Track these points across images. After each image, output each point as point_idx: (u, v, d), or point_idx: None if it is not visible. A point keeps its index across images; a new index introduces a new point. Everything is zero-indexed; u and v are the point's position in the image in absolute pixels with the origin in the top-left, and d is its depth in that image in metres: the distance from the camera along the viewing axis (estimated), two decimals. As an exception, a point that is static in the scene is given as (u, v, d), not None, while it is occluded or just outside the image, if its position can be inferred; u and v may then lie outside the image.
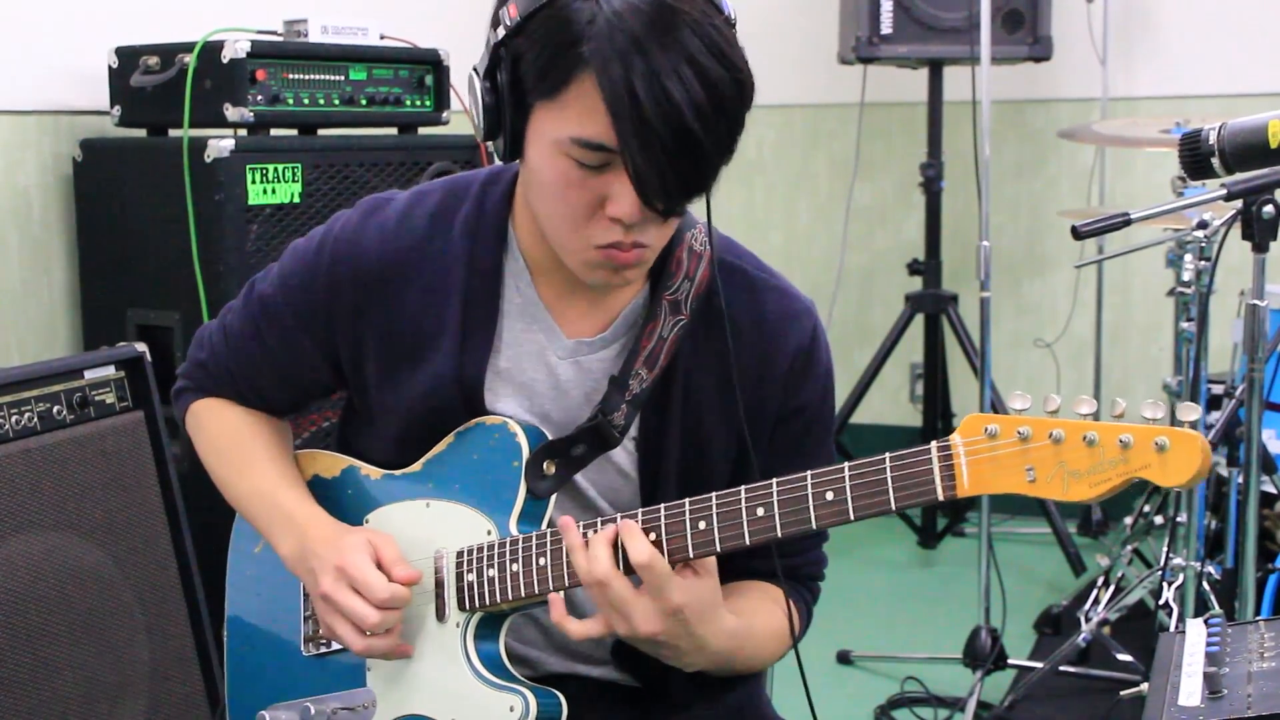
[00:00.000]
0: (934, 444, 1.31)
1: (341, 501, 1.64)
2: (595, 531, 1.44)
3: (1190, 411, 1.24)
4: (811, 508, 1.36)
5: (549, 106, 1.37)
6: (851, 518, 1.35)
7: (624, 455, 1.56)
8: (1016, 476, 1.27)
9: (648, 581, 1.39)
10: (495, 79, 1.41)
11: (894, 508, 1.33)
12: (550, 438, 1.53)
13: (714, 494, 1.40)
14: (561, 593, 1.45)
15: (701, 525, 1.40)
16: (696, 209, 1.48)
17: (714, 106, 1.33)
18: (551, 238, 1.47)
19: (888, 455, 1.33)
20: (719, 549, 1.40)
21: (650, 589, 1.40)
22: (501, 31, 1.39)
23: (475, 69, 1.44)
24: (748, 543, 1.38)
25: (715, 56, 1.33)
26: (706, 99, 1.32)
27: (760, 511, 1.38)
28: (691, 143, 1.33)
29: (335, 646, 1.62)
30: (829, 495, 1.35)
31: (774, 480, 1.38)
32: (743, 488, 1.39)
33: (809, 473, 1.37)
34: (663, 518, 1.42)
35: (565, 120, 1.36)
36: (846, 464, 1.35)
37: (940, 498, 1.31)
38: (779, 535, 1.38)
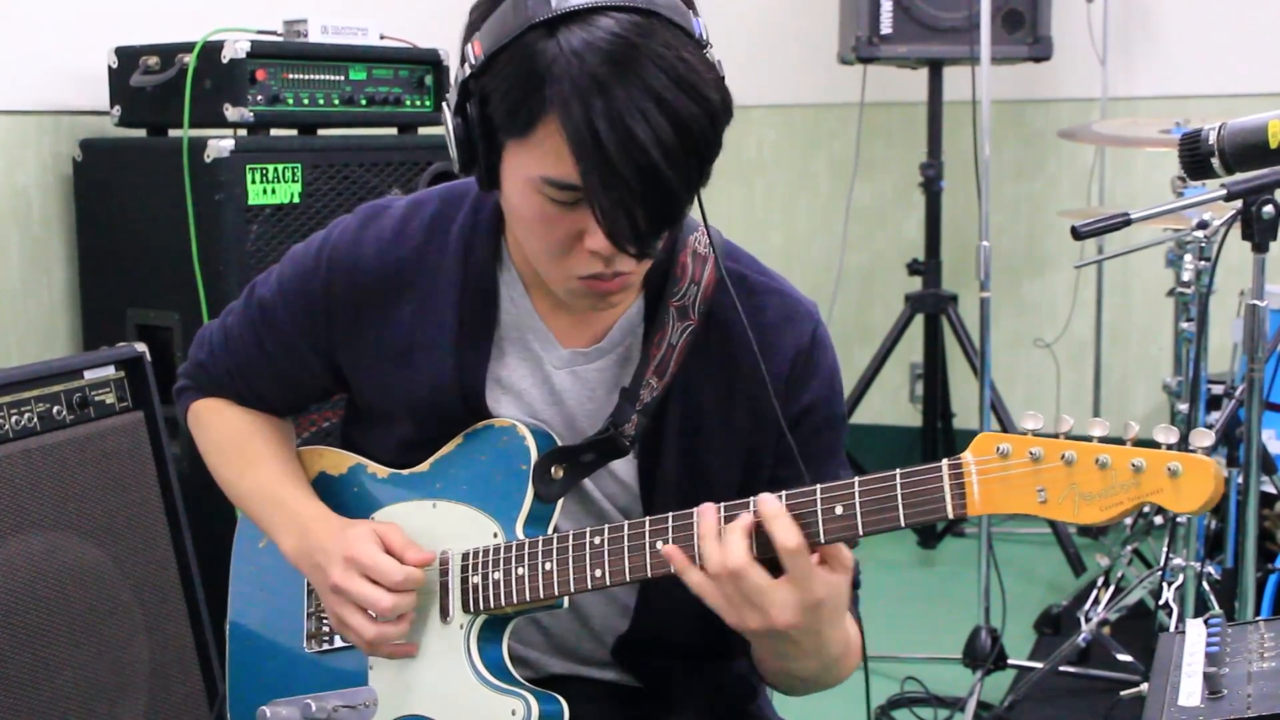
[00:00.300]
0: (945, 462, 1.30)
1: (348, 499, 1.64)
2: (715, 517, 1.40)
3: (1203, 437, 1.23)
4: (820, 522, 1.35)
5: (519, 145, 1.36)
6: (860, 533, 1.33)
7: (622, 463, 1.55)
8: (1028, 497, 1.26)
9: (793, 569, 1.34)
10: (466, 114, 1.39)
11: (903, 524, 1.32)
12: (559, 442, 1.53)
13: (723, 504, 1.39)
14: (668, 544, 1.39)
15: (756, 520, 1.37)
16: (696, 212, 1.47)
17: (682, 143, 1.30)
18: (535, 266, 1.47)
19: (898, 472, 1.32)
20: None
21: (796, 577, 1.34)
22: (468, 69, 1.37)
23: (446, 101, 1.42)
24: (755, 554, 1.37)
25: (683, 90, 1.29)
26: (674, 136, 1.29)
27: None
28: (659, 182, 1.30)
29: (338, 644, 1.62)
30: (838, 510, 1.34)
31: (783, 493, 1.37)
32: (751, 500, 1.38)
33: (818, 486, 1.35)
34: (670, 528, 1.41)
35: (535, 160, 1.34)
36: (856, 479, 1.34)
37: (951, 516, 1.30)
38: None
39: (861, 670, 1.56)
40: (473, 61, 1.36)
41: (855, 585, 1.64)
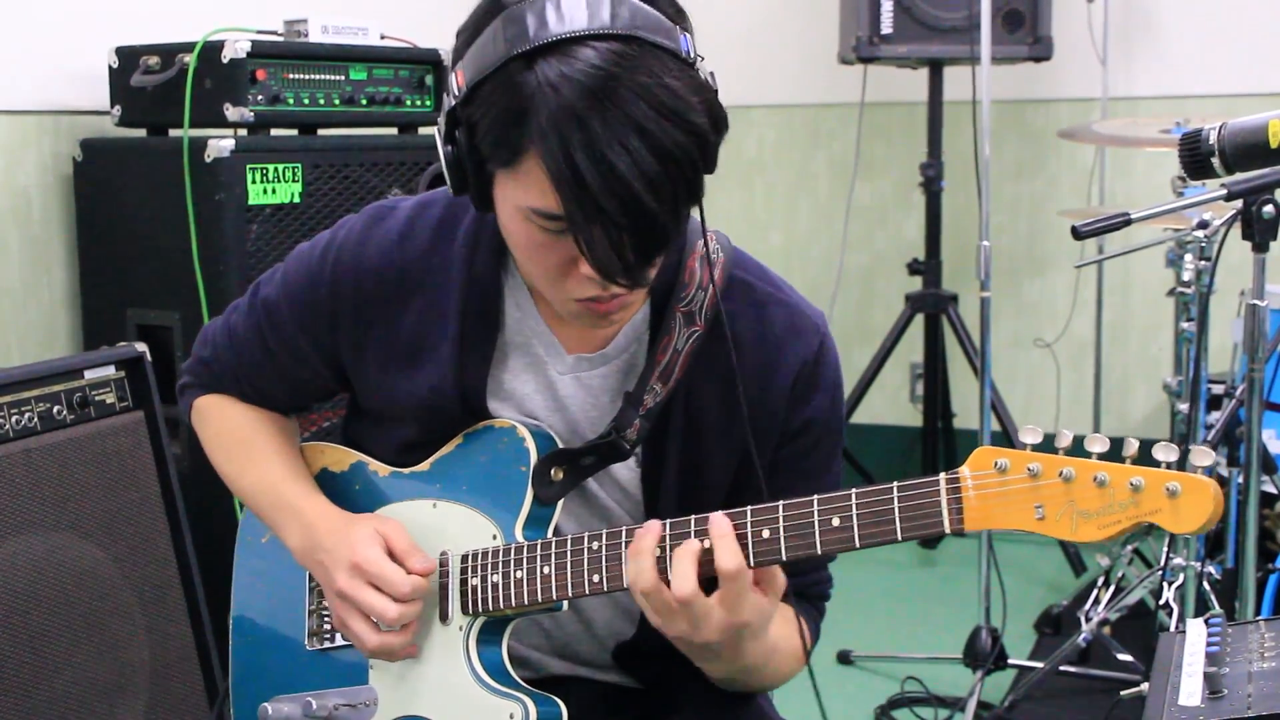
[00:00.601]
0: (943, 476, 1.30)
1: (349, 496, 1.64)
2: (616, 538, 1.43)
3: (1204, 457, 1.23)
4: (817, 533, 1.35)
5: (507, 175, 1.35)
6: (857, 545, 1.33)
7: (624, 470, 1.55)
8: (1025, 513, 1.26)
9: (727, 591, 1.36)
10: (455, 141, 1.38)
11: (900, 538, 1.32)
12: (559, 445, 1.53)
13: (719, 513, 1.39)
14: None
15: (706, 544, 1.38)
16: (706, 216, 1.47)
17: (667, 172, 1.28)
18: (535, 286, 1.47)
19: (895, 485, 1.32)
20: None
21: (728, 599, 1.36)
22: (452, 99, 1.37)
23: (437, 127, 1.41)
24: (752, 564, 1.37)
25: (666, 118, 1.27)
26: (658, 165, 1.27)
27: (765, 534, 1.37)
28: (643, 213, 1.28)
29: (339, 642, 1.62)
30: (835, 521, 1.34)
31: (780, 503, 1.37)
32: (749, 509, 1.38)
33: (816, 497, 1.35)
34: (668, 535, 1.41)
35: (522, 191, 1.34)
36: (854, 491, 1.34)
37: (948, 530, 1.30)
38: (784, 559, 1.37)
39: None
40: (456, 92, 1.35)
41: (822, 599, 1.65)
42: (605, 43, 1.28)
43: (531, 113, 1.28)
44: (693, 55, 1.33)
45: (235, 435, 1.70)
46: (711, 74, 1.35)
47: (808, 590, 1.62)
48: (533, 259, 1.40)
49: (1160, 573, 2.97)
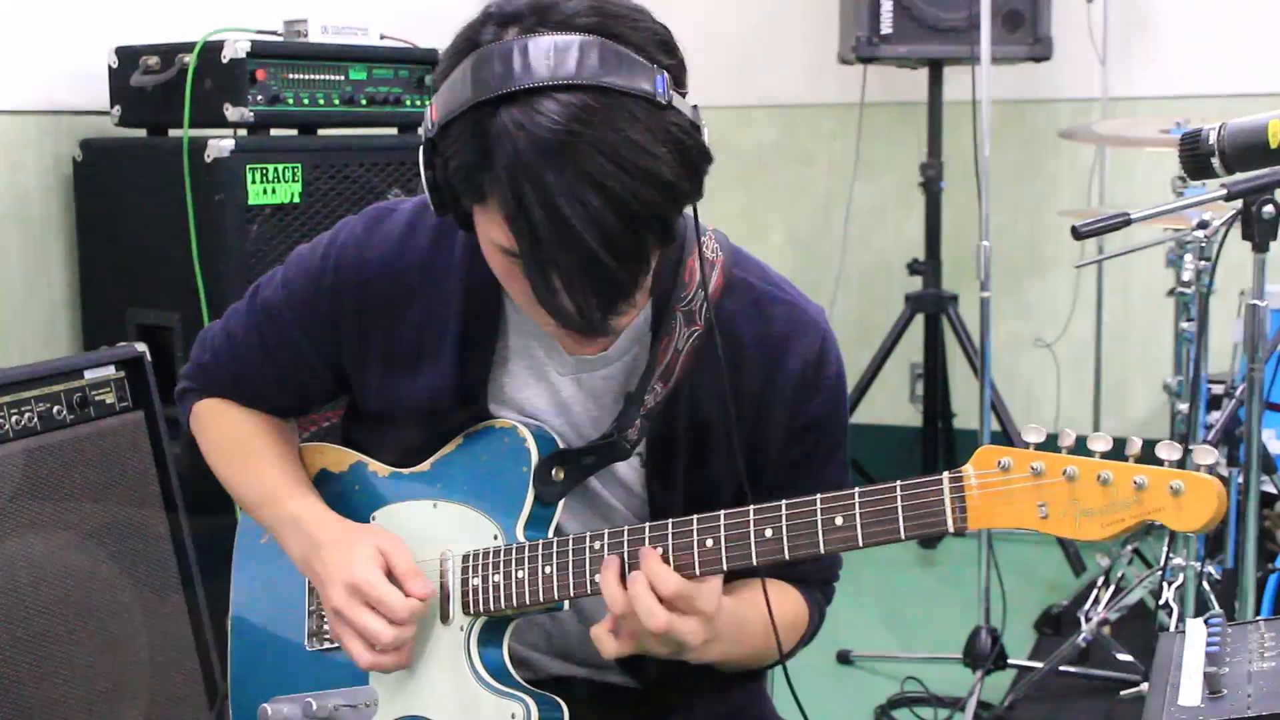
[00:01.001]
0: (946, 475, 1.30)
1: (348, 497, 1.64)
2: (603, 551, 1.44)
3: (1207, 455, 1.23)
4: (820, 532, 1.35)
5: (478, 209, 1.36)
6: (860, 544, 1.34)
7: (628, 469, 1.55)
8: (1029, 512, 1.26)
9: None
10: (434, 168, 1.38)
11: (903, 537, 1.32)
12: (560, 445, 1.53)
13: (722, 512, 1.39)
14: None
15: (709, 543, 1.39)
16: (706, 216, 1.46)
17: (630, 227, 1.26)
18: None
19: (899, 484, 1.32)
20: (725, 568, 1.39)
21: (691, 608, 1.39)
22: (425, 132, 1.37)
23: (420, 151, 1.41)
24: (754, 563, 1.38)
25: (629, 173, 1.25)
26: (619, 222, 1.25)
27: (768, 533, 1.37)
28: (599, 268, 1.27)
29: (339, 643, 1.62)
30: (838, 520, 1.34)
31: (783, 502, 1.37)
32: (751, 508, 1.38)
33: (819, 496, 1.36)
34: (670, 535, 1.41)
35: (490, 227, 1.34)
36: (857, 490, 1.34)
37: (951, 529, 1.30)
38: (786, 558, 1.37)
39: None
40: (428, 126, 1.36)
41: (829, 581, 1.66)
42: (569, 94, 1.26)
43: (492, 159, 1.28)
44: (668, 96, 1.29)
45: (234, 440, 1.69)
46: (694, 108, 1.33)
47: (811, 575, 1.62)
48: (509, 286, 1.42)
49: (1160, 573, 2.97)
